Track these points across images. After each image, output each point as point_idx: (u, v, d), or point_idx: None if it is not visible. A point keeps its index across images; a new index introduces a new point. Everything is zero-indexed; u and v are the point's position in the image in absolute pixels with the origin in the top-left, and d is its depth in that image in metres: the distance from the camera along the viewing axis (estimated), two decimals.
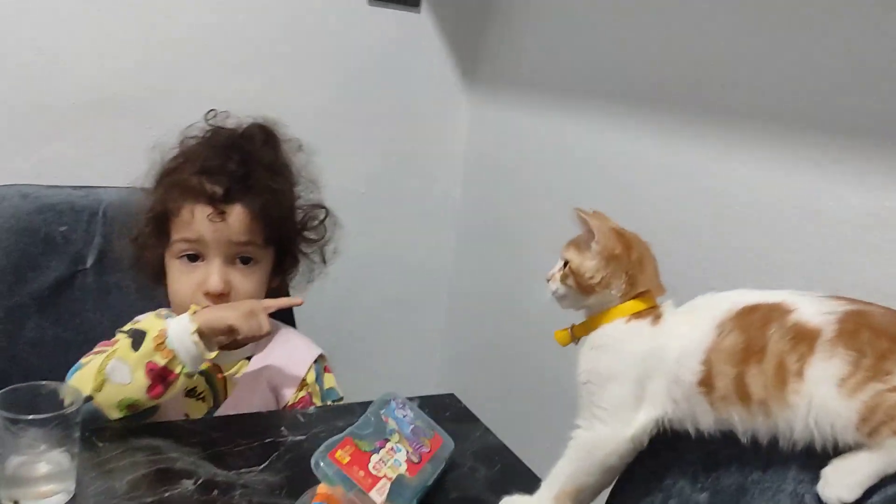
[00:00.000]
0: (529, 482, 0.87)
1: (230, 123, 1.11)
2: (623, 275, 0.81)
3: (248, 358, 1.08)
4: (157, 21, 1.35)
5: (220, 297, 1.01)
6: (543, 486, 0.80)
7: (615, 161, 1.23)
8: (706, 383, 0.73)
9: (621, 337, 0.79)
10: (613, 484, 0.87)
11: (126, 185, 1.29)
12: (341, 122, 1.57)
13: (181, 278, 1.03)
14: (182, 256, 1.03)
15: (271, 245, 1.08)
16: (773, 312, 0.72)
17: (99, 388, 0.89)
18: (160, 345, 0.89)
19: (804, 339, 0.69)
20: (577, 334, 0.83)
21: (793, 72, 0.95)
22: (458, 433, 0.98)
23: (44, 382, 0.76)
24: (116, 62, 1.33)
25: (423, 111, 1.65)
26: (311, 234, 1.14)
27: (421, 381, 1.82)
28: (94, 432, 0.88)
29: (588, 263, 0.81)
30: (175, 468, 0.82)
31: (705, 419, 0.74)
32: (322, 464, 0.74)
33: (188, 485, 0.80)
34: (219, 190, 1.02)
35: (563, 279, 0.83)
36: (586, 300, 0.82)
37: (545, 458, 0.92)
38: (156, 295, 1.10)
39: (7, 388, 0.74)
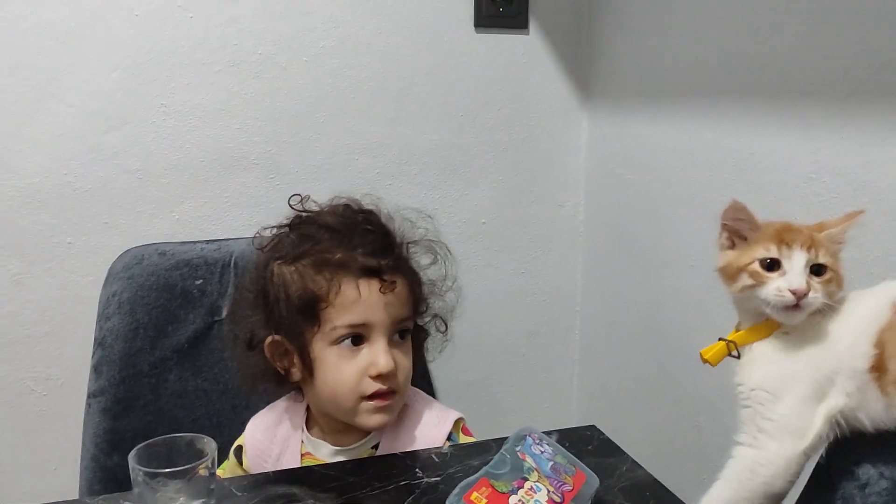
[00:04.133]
0: None
1: (313, 206, 1.05)
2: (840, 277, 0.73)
3: (374, 447, 1.02)
4: (274, 76, 1.39)
5: (389, 378, 0.95)
6: None
7: (760, 166, 1.12)
8: (878, 367, 0.64)
9: (805, 336, 0.70)
10: None
11: (253, 236, 1.34)
12: (458, 154, 1.56)
13: (345, 365, 0.95)
14: (341, 342, 0.95)
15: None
16: None
17: None
18: None
19: None
20: (741, 343, 0.73)
21: None
22: (603, 468, 0.91)
23: (179, 435, 0.77)
24: (240, 119, 1.38)
25: (540, 133, 1.60)
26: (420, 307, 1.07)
27: (560, 415, 1.75)
28: (233, 482, 0.89)
29: (838, 264, 0.72)
30: None
31: (875, 407, 0.65)
32: None
33: None
34: (384, 261, 0.97)
35: (827, 285, 0.70)
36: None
37: (701, 494, 0.83)
38: None
39: (144, 443, 0.75)
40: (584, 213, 1.67)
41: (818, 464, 0.75)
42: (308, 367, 0.97)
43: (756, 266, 0.71)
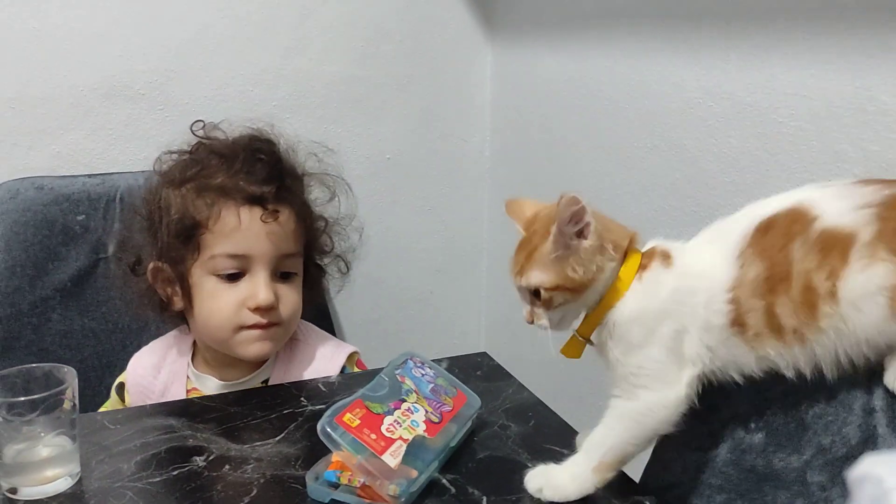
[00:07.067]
0: (566, 437, 0.80)
1: (219, 133, 1.02)
2: (606, 244, 0.69)
3: (264, 383, 1.00)
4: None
5: (269, 311, 0.93)
6: (581, 455, 0.71)
7: (651, 93, 1.12)
8: (738, 322, 0.64)
9: (642, 298, 0.68)
10: None
11: (141, 170, 1.28)
12: (360, 86, 1.51)
13: (221, 296, 0.92)
14: (221, 273, 0.92)
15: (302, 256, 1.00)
16: (794, 225, 0.62)
17: None
18: None
19: (834, 248, 0.59)
20: (586, 334, 0.72)
21: None
22: (490, 391, 0.91)
23: (37, 365, 0.73)
24: (122, 45, 1.29)
25: (445, 66, 1.57)
26: (320, 245, 1.06)
27: (467, 352, 1.75)
28: (106, 415, 0.86)
29: (574, 263, 0.67)
30: (187, 446, 0.78)
31: (746, 361, 0.65)
32: (328, 429, 0.68)
33: (199, 461, 0.75)
34: (267, 188, 0.93)
35: (549, 305, 0.69)
36: (589, 297, 0.69)
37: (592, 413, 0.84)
38: None
39: None
40: (490, 149, 1.66)
41: None
42: (188, 295, 0.94)
43: None
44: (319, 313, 1.29)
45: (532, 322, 0.71)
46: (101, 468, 0.74)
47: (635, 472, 0.79)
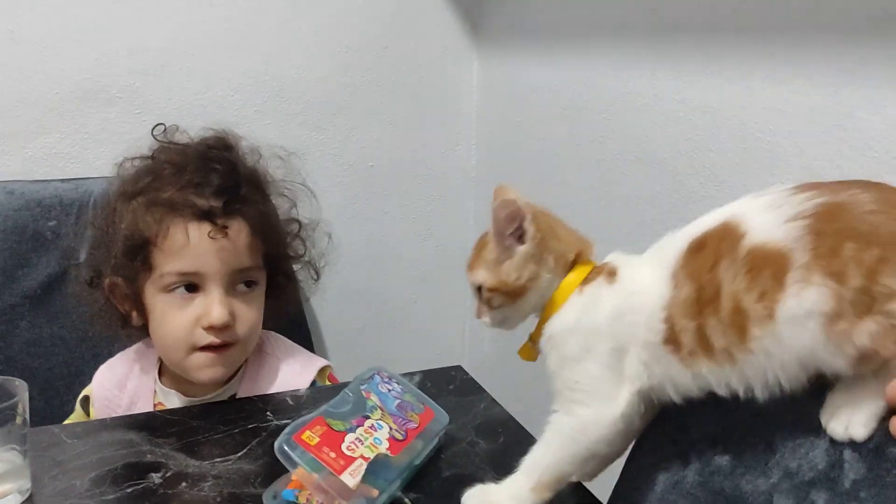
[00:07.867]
0: None
1: (182, 138, 0.99)
2: (546, 254, 0.69)
3: (232, 398, 0.97)
4: (135, 2, 1.29)
5: (224, 330, 0.90)
6: (519, 474, 0.69)
7: (633, 105, 1.10)
8: (672, 341, 0.62)
9: (580, 312, 0.67)
10: (628, 451, 0.77)
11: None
12: (344, 93, 1.49)
13: (175, 314, 0.89)
14: (173, 290, 0.89)
15: (265, 265, 0.97)
16: (722, 244, 0.59)
17: None
18: None
19: (764, 268, 0.56)
20: (535, 339, 0.71)
21: None
22: (461, 406, 0.90)
23: None
24: (100, 47, 1.28)
25: (429, 74, 1.55)
26: (290, 251, 1.03)
27: (451, 362, 1.73)
28: (64, 428, 0.84)
29: (508, 267, 0.69)
30: (144, 462, 0.76)
31: (682, 380, 0.63)
32: (286, 447, 0.66)
33: (155, 478, 0.73)
34: (215, 203, 0.89)
35: (490, 305, 0.71)
36: (526, 304, 0.70)
37: None
38: None
39: None
40: (476, 157, 1.64)
41: None
42: (143, 313, 0.91)
43: None
44: (295, 323, 1.28)
45: (478, 318, 0.73)
46: (54, 484, 0.72)
47: (603, 493, 0.77)
